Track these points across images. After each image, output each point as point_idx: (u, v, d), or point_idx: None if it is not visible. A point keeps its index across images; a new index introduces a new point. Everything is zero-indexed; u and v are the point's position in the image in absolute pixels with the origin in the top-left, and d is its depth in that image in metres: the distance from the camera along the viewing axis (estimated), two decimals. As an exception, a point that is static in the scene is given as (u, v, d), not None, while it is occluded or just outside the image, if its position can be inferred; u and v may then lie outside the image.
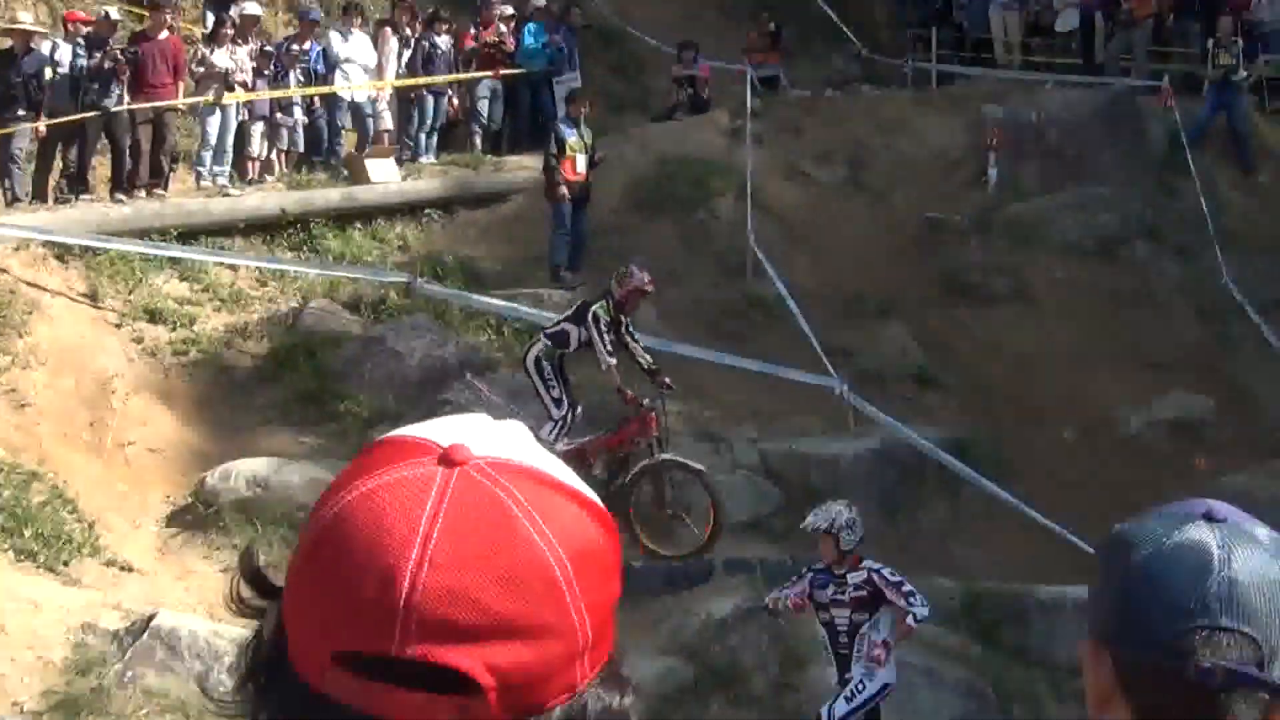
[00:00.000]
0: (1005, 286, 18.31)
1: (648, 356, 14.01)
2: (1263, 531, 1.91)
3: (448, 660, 1.24)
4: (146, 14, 18.36)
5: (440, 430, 1.36)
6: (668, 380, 13.84)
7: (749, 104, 19.44)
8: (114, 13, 17.83)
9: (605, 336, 13.40)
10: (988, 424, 16.73)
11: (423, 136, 20.15)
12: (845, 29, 25.38)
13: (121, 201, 17.03)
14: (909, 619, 10.55)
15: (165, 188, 17.76)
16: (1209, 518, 1.90)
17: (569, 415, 13.71)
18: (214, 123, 18.10)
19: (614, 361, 13.45)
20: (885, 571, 10.67)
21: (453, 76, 20.48)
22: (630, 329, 13.97)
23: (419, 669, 1.24)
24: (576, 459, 13.64)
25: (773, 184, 19.32)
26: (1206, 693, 1.83)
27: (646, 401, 13.55)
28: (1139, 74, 22.61)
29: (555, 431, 13.60)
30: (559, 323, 13.90)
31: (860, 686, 10.66)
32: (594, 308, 13.53)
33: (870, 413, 15.36)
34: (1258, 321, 18.11)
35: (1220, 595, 1.84)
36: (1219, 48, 20.98)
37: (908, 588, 10.57)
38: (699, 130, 20.23)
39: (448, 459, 1.31)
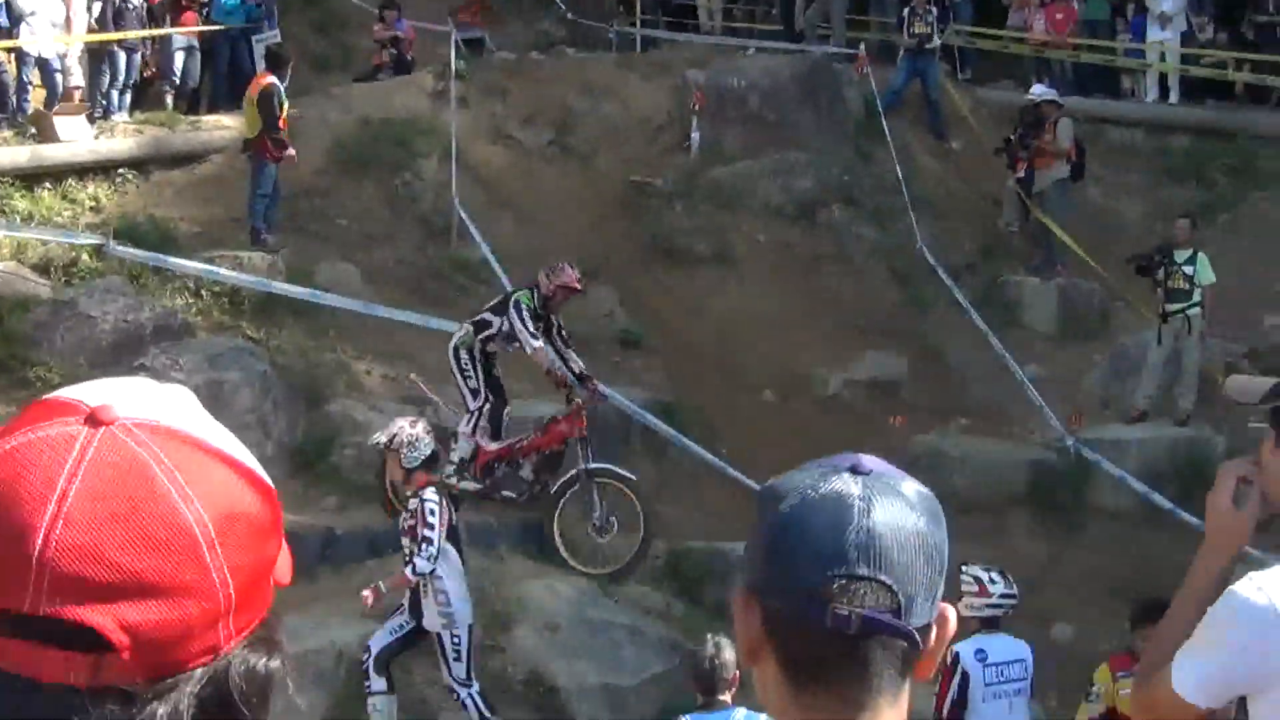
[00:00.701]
0: (708, 250, 18.60)
1: (579, 362, 13.70)
2: (908, 485, 1.95)
3: (80, 618, 1.23)
4: None
5: (93, 391, 1.37)
6: (600, 387, 13.68)
7: (454, 66, 19.33)
8: None
9: (528, 322, 13.02)
10: (692, 386, 17.00)
11: (115, 94, 19.50)
12: (551, -8, 25.48)
13: None
14: (408, 568, 10.54)
15: None
16: (854, 470, 1.93)
17: (485, 407, 13.36)
18: (-111, 77, 17.29)
19: (540, 344, 13.07)
20: (428, 508, 10.52)
21: (145, 32, 19.90)
22: (563, 332, 13.70)
23: (53, 626, 1.24)
24: (506, 460, 13.45)
25: (478, 147, 19.28)
26: (845, 640, 1.88)
27: (579, 399, 13.25)
28: (837, 41, 23.18)
29: (470, 424, 13.33)
30: (482, 310, 13.56)
31: (456, 641, 10.76)
32: (516, 295, 13.27)
33: (576, 375, 15.46)
34: (949, 284, 18.74)
35: (858, 544, 1.87)
36: (914, 16, 21.60)
37: (428, 534, 10.45)
38: (403, 92, 20.05)
39: (93, 419, 1.32)
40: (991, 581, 10.33)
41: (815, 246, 18.95)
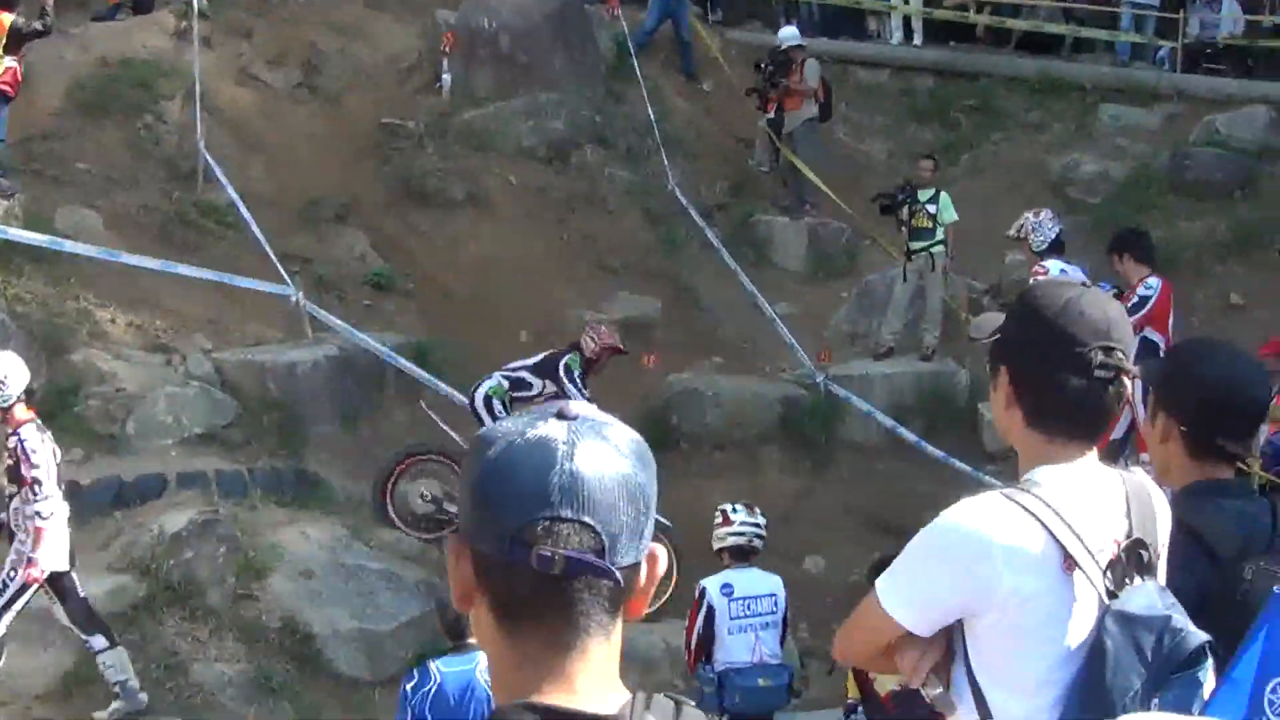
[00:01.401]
0: (461, 192, 18.48)
1: None
2: (615, 430, 2.04)
3: None
4: None
5: None
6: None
7: (196, 4, 18.81)
8: None
9: (580, 387, 13.24)
10: (447, 329, 16.96)
11: None
12: (297, -71, 24.95)
13: None
14: (34, 520, 10.09)
15: None
16: (561, 415, 2.02)
17: None
18: None
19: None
20: (27, 448, 10.03)
21: None
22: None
23: None
24: None
25: (223, 88, 18.82)
26: (551, 581, 1.96)
27: None
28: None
29: None
30: (518, 369, 13.53)
31: (11, 576, 10.24)
32: (564, 360, 13.32)
33: (327, 320, 15.32)
34: (701, 224, 18.94)
35: (561, 486, 1.95)
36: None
37: (35, 475, 9.99)
38: (143, 31, 19.44)
39: None
40: (734, 511, 10.59)
41: (568, 188, 18.97)
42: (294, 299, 15.35)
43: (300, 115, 18.94)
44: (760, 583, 10.40)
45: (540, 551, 1.94)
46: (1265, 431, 13.93)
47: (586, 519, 1.96)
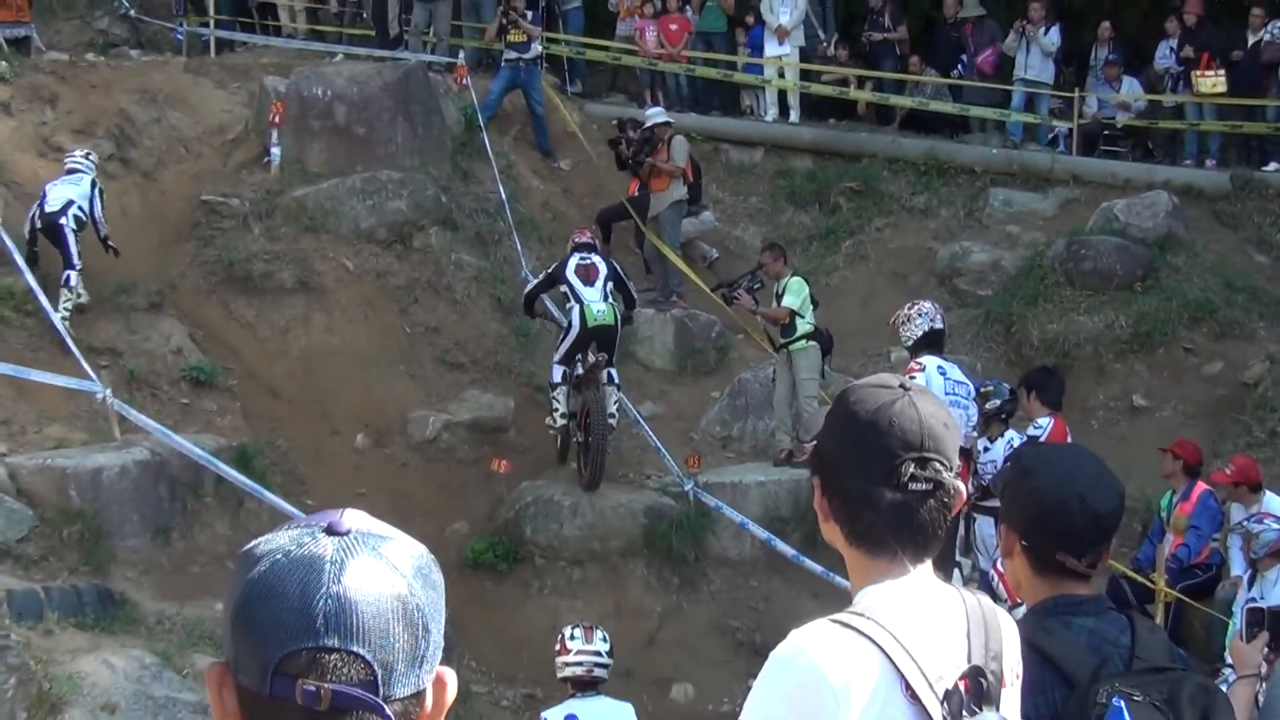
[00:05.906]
0: (291, 278, 18.26)
1: None
2: (393, 545, 2.03)
3: None
4: None
5: None
6: None
7: (-4, 68, 18.61)
8: None
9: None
10: (274, 430, 16.80)
11: None
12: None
13: None
14: None
15: None
16: (331, 530, 2.00)
17: None
18: None
19: None
20: None
21: None
22: None
23: None
24: None
25: (25, 160, 18.58)
26: (320, 717, 1.93)
27: None
28: (440, 50, 23.06)
29: None
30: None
31: None
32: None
33: (137, 420, 14.98)
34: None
35: (327, 612, 1.93)
36: (510, 24, 21.51)
37: None
38: (-66, 95, 19.19)
39: None
40: (571, 638, 10.46)
41: (410, 274, 18.82)
42: (101, 396, 15.01)
43: (111, 190, 18.63)
44: (609, 713, 10.28)
45: (305, 686, 1.92)
46: (1170, 543, 14.12)
47: (355, 648, 1.94)
